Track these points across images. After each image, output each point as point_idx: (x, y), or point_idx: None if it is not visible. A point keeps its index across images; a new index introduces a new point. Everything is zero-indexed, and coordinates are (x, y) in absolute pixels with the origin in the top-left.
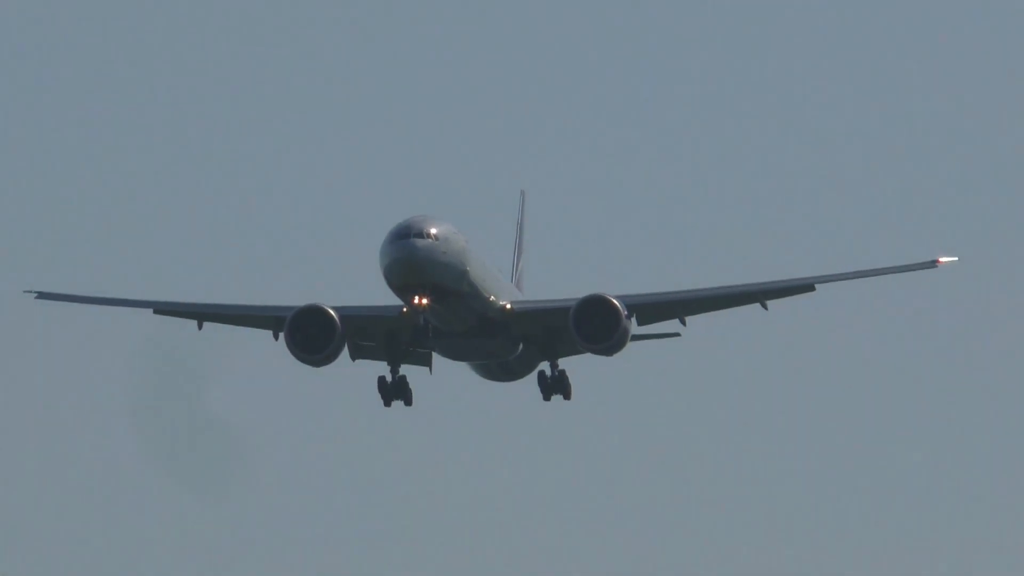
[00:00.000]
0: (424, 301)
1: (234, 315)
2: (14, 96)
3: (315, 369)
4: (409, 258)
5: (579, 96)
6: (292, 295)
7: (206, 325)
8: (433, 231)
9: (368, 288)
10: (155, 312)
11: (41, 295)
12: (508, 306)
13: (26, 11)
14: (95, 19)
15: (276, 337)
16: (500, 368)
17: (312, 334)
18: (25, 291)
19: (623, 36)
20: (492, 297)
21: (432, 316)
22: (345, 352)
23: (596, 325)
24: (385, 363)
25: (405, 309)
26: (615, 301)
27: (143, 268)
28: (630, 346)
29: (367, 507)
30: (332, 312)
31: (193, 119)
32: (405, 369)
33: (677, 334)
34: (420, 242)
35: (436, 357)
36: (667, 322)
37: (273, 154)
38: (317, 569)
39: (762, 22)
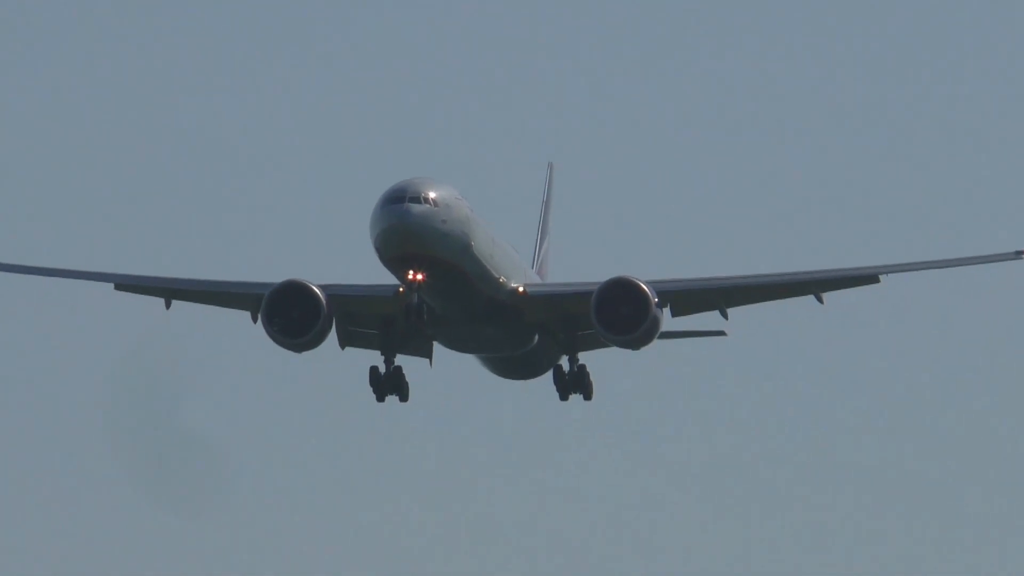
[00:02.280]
0: (419, 276)
1: (205, 292)
2: None
3: (297, 356)
4: (402, 225)
5: (620, 63)
6: (278, 273)
7: (175, 304)
8: (432, 195)
9: (366, 267)
10: (116, 288)
11: None
12: (521, 289)
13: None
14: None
15: (255, 319)
16: (513, 363)
17: (293, 315)
18: None
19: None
20: (502, 278)
21: (431, 297)
22: (334, 339)
23: (621, 313)
24: (379, 352)
25: (401, 289)
26: (643, 285)
27: (106, 239)
28: (667, 344)
29: (353, 516)
30: (316, 289)
31: (182, 82)
32: (402, 360)
33: (723, 332)
34: (416, 207)
35: (439, 348)
36: (708, 316)
37: (269, 122)
38: None
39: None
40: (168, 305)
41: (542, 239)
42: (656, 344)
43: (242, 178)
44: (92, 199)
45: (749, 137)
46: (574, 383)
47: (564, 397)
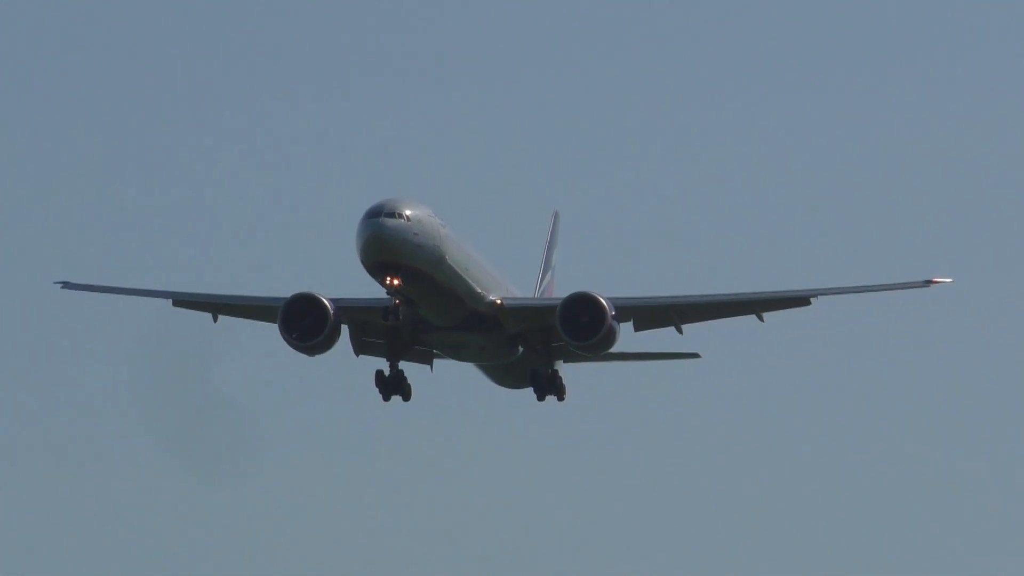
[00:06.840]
0: (395, 282)
1: (238, 306)
2: (34, 91)
3: (313, 361)
4: (377, 236)
5: (582, 107)
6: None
7: (221, 318)
8: (407, 212)
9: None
10: (174, 304)
11: (66, 285)
12: (499, 301)
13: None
14: (107, 19)
15: None
16: (506, 371)
17: (307, 323)
18: (54, 282)
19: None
20: (480, 289)
21: (419, 306)
22: (349, 348)
23: (583, 323)
24: (386, 359)
25: (397, 301)
26: (601, 299)
27: (159, 262)
28: (645, 363)
29: (360, 500)
30: (324, 300)
31: (220, 109)
32: (405, 366)
33: (697, 355)
34: (390, 221)
35: (439, 357)
36: (683, 344)
37: (309, 166)
38: (306, 564)
39: (768, 34)
40: (215, 319)
41: (544, 272)
42: (634, 364)
43: (275, 205)
44: (142, 223)
45: (712, 181)
46: (548, 385)
47: (541, 398)
